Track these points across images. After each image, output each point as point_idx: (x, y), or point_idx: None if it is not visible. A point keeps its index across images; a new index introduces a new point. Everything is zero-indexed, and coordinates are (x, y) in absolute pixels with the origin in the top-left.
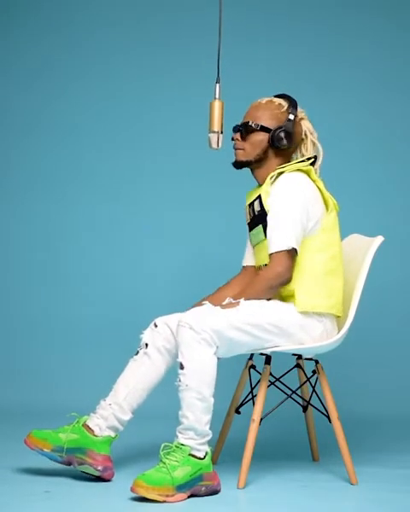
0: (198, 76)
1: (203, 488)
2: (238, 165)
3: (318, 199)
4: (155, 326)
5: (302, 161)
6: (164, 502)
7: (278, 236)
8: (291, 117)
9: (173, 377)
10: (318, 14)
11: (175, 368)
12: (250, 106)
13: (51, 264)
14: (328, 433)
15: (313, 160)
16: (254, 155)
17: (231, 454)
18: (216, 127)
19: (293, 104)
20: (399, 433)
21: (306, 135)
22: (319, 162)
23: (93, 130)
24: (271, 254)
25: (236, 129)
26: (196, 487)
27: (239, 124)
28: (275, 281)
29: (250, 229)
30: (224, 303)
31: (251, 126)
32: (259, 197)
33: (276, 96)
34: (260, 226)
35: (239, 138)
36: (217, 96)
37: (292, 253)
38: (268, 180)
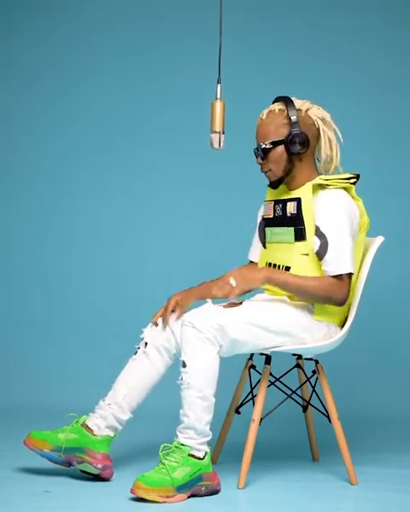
0: (199, 76)
1: (203, 488)
2: (275, 185)
3: (357, 219)
4: (155, 325)
5: (345, 179)
6: (164, 502)
7: (345, 259)
8: (293, 118)
9: (173, 377)
10: (318, 15)
11: (176, 367)
12: (257, 125)
13: (51, 263)
14: (328, 433)
15: (355, 179)
16: (281, 170)
17: (231, 454)
18: (218, 127)
19: (288, 103)
20: (399, 433)
21: (318, 123)
22: (336, 156)
23: (95, 130)
24: (337, 275)
25: (255, 154)
26: (196, 487)
27: (255, 148)
28: (336, 296)
29: (270, 226)
30: (226, 303)
31: (265, 148)
32: (296, 200)
33: (274, 101)
34: (292, 229)
35: (261, 162)
36: (218, 97)
37: (351, 277)
38: (308, 188)
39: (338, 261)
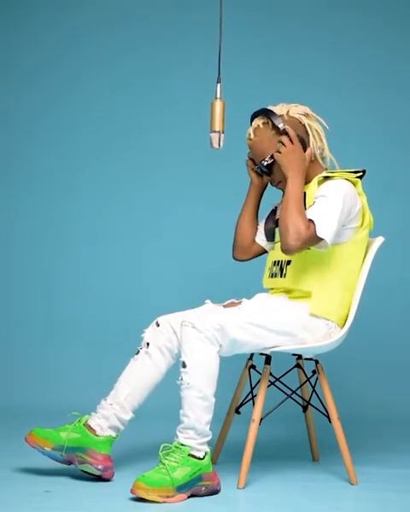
0: (199, 76)
1: (203, 488)
2: None
3: (357, 212)
4: (157, 325)
5: (351, 172)
6: (164, 502)
7: (325, 222)
8: (280, 126)
9: (174, 377)
10: (318, 15)
11: (176, 368)
12: (249, 146)
13: (51, 263)
14: (328, 433)
15: (361, 173)
16: None
17: (231, 454)
18: (217, 127)
19: (270, 114)
20: (399, 433)
21: (302, 120)
22: (325, 144)
23: (95, 130)
24: (312, 230)
25: (259, 173)
26: (196, 487)
27: (257, 168)
28: (292, 237)
29: (278, 226)
30: (225, 303)
31: (268, 164)
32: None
33: (253, 118)
34: None
35: (269, 177)
36: (218, 96)
37: (317, 242)
38: (314, 182)
39: (322, 222)
